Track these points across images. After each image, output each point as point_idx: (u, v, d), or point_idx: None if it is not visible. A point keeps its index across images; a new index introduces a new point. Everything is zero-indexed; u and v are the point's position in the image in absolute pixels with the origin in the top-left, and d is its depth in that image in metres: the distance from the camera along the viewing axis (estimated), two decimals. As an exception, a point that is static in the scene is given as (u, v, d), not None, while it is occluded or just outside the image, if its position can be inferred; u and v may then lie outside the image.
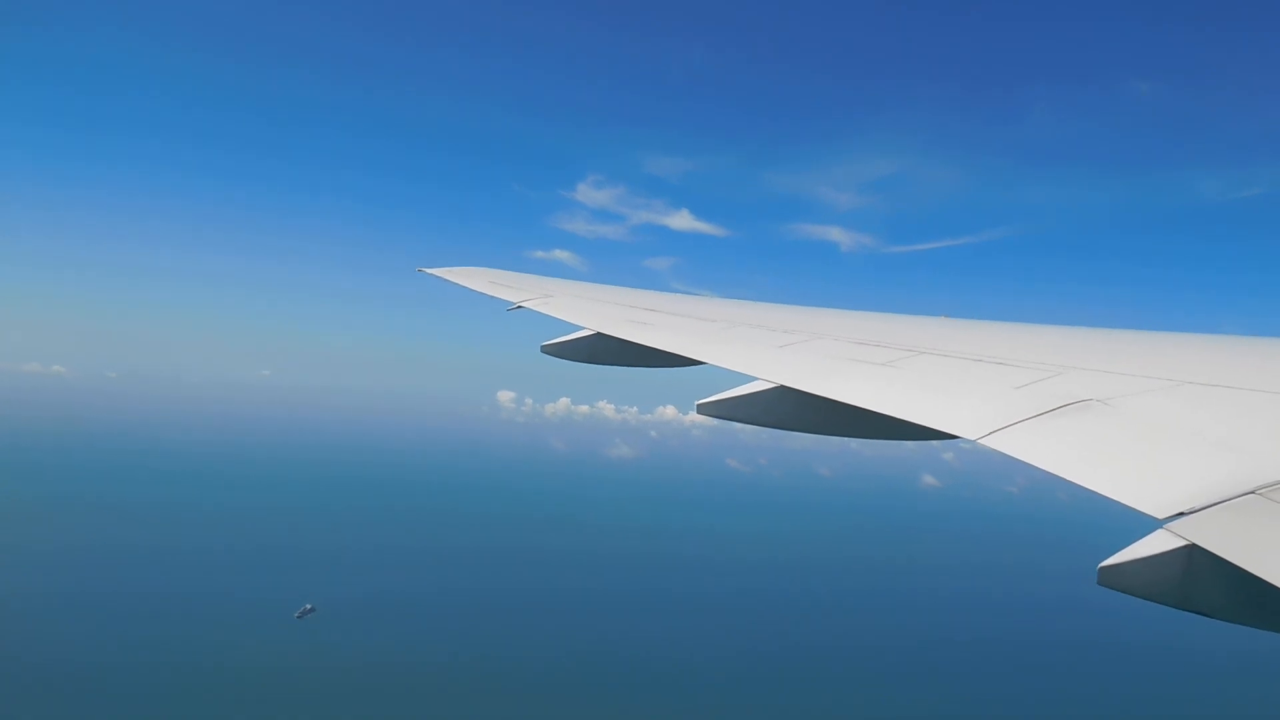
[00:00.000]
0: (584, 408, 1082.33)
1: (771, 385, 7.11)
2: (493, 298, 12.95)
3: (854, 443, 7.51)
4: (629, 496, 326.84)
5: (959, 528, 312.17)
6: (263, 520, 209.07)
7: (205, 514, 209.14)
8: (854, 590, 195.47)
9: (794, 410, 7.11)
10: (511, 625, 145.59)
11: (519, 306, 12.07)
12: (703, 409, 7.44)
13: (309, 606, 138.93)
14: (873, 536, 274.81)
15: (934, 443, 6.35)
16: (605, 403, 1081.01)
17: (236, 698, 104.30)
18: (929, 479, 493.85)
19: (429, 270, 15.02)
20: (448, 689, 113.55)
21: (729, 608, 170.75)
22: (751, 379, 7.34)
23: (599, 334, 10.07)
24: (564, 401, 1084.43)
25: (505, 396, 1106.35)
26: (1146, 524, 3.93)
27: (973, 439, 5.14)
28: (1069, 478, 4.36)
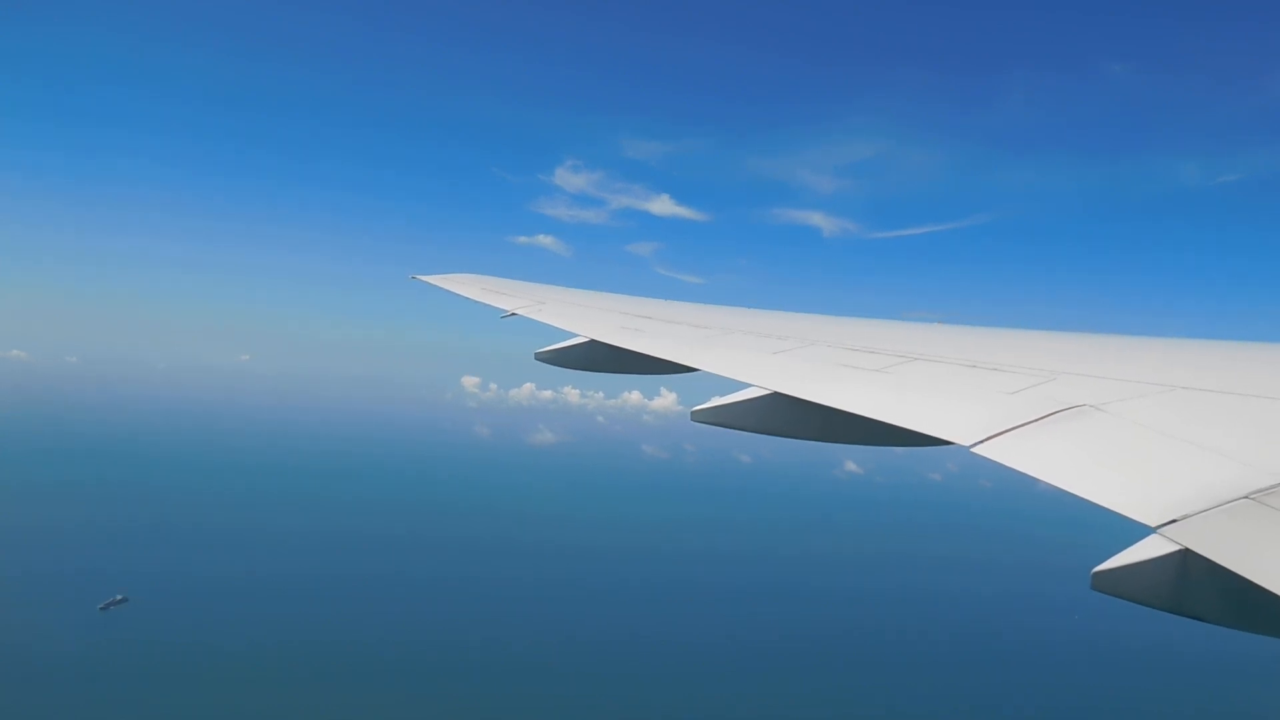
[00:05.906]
0: (548, 393, 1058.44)
1: (766, 392, 7.12)
2: (487, 305, 12.99)
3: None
4: (531, 482, 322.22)
5: (877, 518, 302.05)
6: (146, 500, 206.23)
7: (113, 493, 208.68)
8: (759, 582, 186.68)
9: (788, 417, 7.12)
10: (372, 610, 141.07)
11: (512, 314, 12.11)
12: (697, 416, 7.44)
13: (120, 596, 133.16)
14: (785, 525, 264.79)
15: None
16: (570, 388, 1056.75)
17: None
18: (851, 465, 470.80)
19: (422, 277, 15.05)
20: (286, 675, 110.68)
21: (607, 598, 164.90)
22: (746, 385, 7.36)
23: (592, 341, 10.11)
24: (528, 387, 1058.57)
25: (470, 381, 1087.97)
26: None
27: (966, 445, 5.15)
28: (1062, 485, 4.36)
